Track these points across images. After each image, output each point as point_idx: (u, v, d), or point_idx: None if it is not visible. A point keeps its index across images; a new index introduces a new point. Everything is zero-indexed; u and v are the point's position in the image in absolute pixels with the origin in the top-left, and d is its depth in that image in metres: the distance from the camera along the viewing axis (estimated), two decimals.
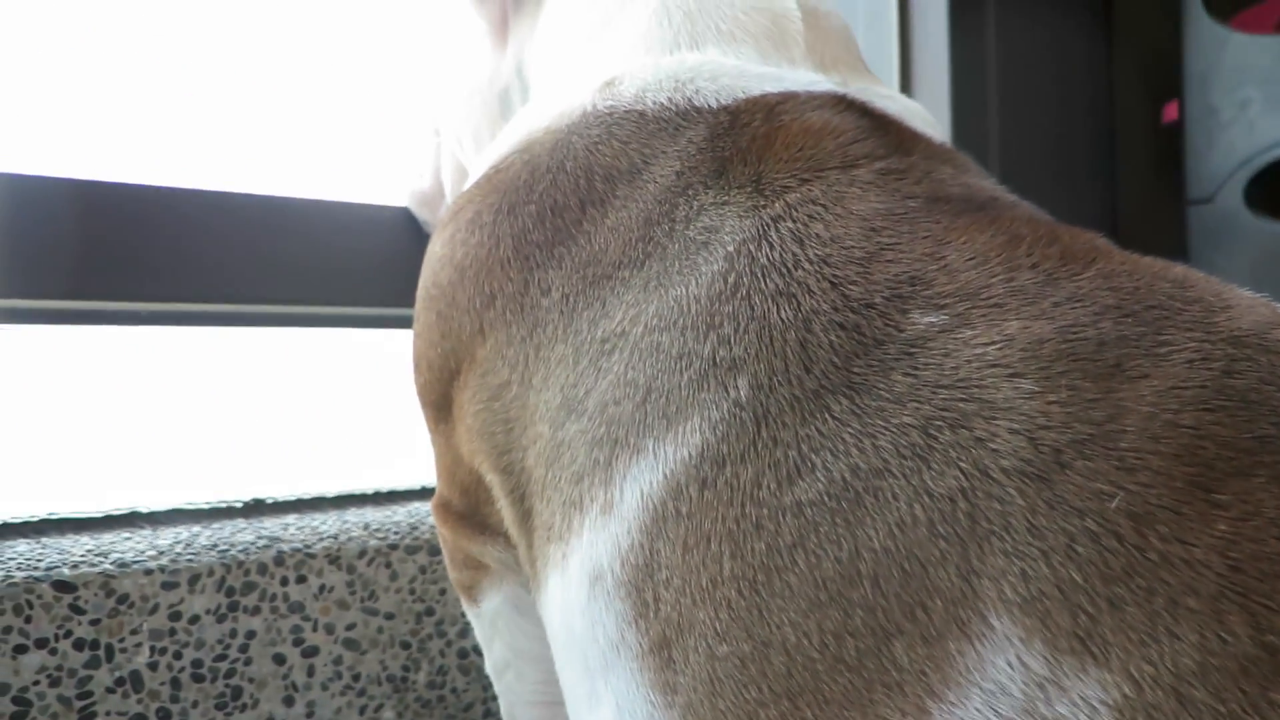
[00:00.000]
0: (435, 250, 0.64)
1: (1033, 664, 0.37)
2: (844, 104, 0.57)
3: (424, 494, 0.98)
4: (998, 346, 0.43)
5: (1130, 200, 1.45)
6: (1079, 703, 0.37)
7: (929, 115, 0.63)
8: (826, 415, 0.44)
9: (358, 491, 0.96)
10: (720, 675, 0.43)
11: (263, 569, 0.78)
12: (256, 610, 0.77)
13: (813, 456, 0.44)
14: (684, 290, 0.50)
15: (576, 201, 0.57)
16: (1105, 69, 1.46)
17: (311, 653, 0.79)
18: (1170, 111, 1.33)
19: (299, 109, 1.05)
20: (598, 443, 0.51)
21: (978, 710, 0.38)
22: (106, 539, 0.79)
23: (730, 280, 0.49)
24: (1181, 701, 0.36)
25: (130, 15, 0.99)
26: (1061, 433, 0.40)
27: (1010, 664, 0.38)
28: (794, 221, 0.50)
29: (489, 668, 0.65)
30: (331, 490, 0.95)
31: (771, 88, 0.57)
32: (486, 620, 0.64)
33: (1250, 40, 1.21)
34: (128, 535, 0.80)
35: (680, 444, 0.47)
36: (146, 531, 0.81)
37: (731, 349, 0.47)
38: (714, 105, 0.57)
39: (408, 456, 1.05)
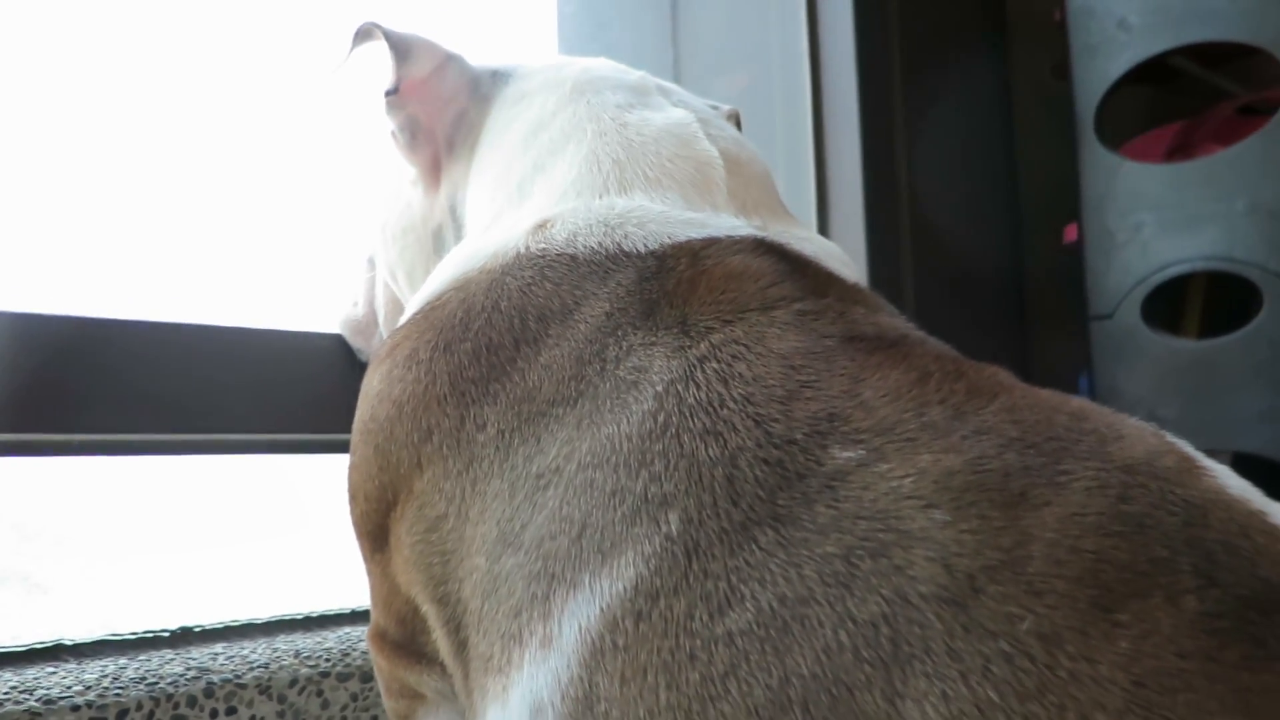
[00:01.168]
0: (373, 385, 0.66)
1: None
2: (764, 247, 0.60)
3: (355, 618, 0.98)
4: (912, 479, 0.45)
5: (1038, 317, 1.52)
6: None
7: (844, 255, 0.67)
8: (754, 546, 0.46)
9: (288, 616, 0.95)
10: None
11: (192, 701, 0.77)
12: None
13: (742, 587, 0.46)
14: (616, 428, 0.53)
15: (511, 340, 0.59)
16: (1010, 196, 1.54)
17: None
18: (1071, 233, 1.40)
19: (229, 237, 1.07)
20: (535, 577, 0.52)
21: None
22: (30, 674, 0.78)
23: (660, 419, 0.52)
24: None
25: (60, 144, 1.00)
26: (974, 559, 0.42)
27: None
28: (718, 362, 0.53)
29: None
30: (261, 616, 0.94)
31: (696, 233, 0.61)
32: None
33: (1140, 168, 1.30)
34: (52, 669, 0.79)
35: (615, 578, 0.49)
36: (72, 665, 0.80)
37: (662, 485, 0.50)
38: (642, 250, 0.60)
39: (338, 580, 1.05)
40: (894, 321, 0.58)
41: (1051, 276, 1.51)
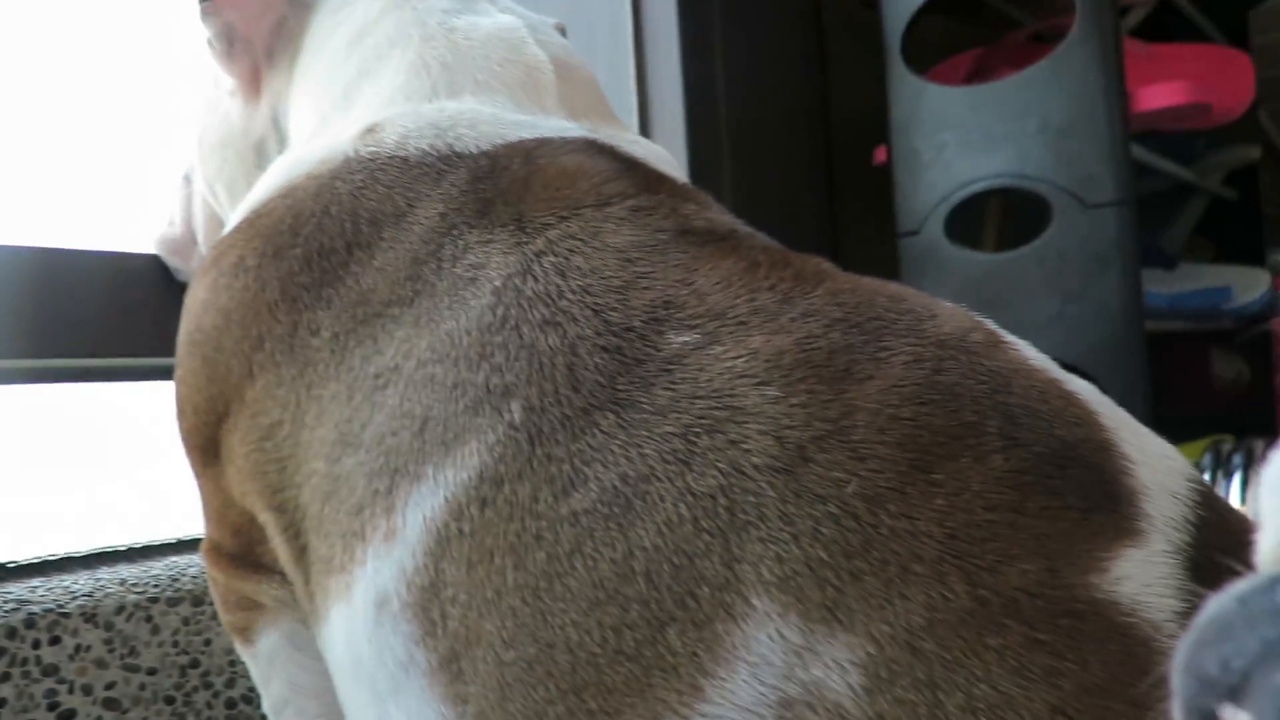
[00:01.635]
0: (198, 296, 0.64)
1: (790, 635, 0.42)
2: (595, 148, 0.61)
3: (182, 547, 0.95)
4: (745, 359, 0.48)
5: (849, 234, 1.59)
6: (831, 665, 0.42)
7: (671, 158, 0.68)
8: (596, 430, 0.48)
9: (110, 549, 0.92)
10: (509, 680, 0.46)
11: (11, 633, 0.74)
12: (6, 677, 0.73)
13: (585, 469, 0.47)
14: (455, 324, 0.53)
15: (343, 244, 0.59)
16: (822, 119, 1.60)
17: (69, 716, 0.76)
18: (880, 155, 1.46)
19: (40, 156, 1.01)
20: (377, 474, 0.52)
21: (745, 682, 0.42)
22: None
23: (499, 313, 0.52)
24: (915, 654, 0.41)
25: None
26: (803, 431, 0.45)
27: (771, 637, 0.42)
28: (556, 256, 0.54)
29: (266, 707, 0.65)
30: (82, 549, 0.91)
31: (528, 134, 0.61)
32: (263, 659, 0.64)
33: (943, 91, 1.36)
34: None
35: (459, 468, 0.50)
36: None
37: (504, 376, 0.51)
38: (474, 150, 0.60)
39: (162, 510, 1.02)
40: (723, 217, 0.60)
41: (862, 196, 1.57)
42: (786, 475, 0.44)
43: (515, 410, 0.50)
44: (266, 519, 0.60)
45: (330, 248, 0.59)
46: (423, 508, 0.50)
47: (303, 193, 0.62)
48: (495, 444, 0.49)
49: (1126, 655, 0.42)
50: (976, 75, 1.49)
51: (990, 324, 0.52)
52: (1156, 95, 1.31)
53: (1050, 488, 0.45)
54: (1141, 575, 0.44)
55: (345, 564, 0.53)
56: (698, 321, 0.50)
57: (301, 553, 0.58)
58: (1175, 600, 0.44)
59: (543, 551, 0.46)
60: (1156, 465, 0.48)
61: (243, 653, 0.65)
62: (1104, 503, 0.45)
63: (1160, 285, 1.53)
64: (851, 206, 1.58)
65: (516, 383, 0.50)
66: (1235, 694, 0.26)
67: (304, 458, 0.57)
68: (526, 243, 0.55)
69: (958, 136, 1.33)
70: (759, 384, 0.47)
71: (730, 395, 0.47)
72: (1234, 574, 0.47)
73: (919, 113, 1.36)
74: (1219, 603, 0.29)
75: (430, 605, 0.49)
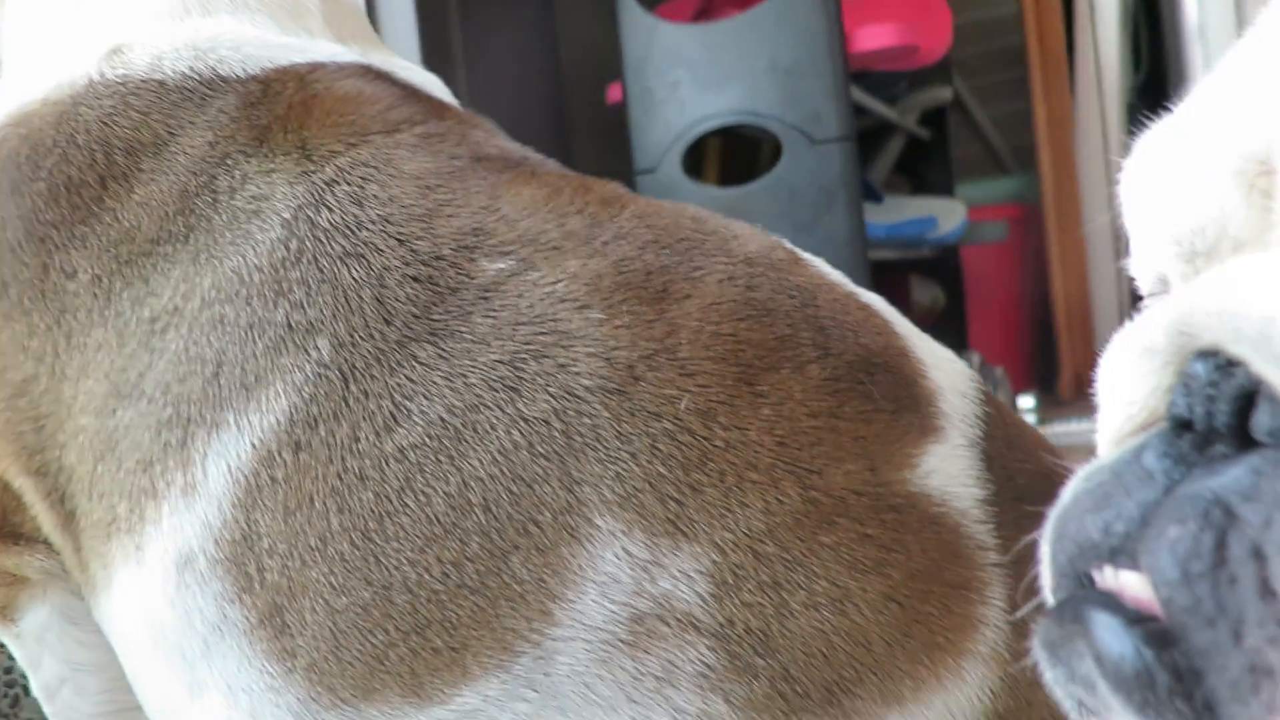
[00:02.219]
0: None
1: (636, 551, 0.42)
2: (372, 74, 0.58)
3: None
4: (564, 283, 0.47)
5: (585, 173, 1.60)
6: (678, 576, 0.42)
7: (443, 85, 0.66)
8: (414, 363, 0.46)
9: None
10: (343, 628, 0.44)
11: None
12: None
13: (407, 403, 0.45)
14: (242, 260, 0.50)
15: (95, 177, 0.53)
16: (553, 60, 1.59)
17: None
18: (613, 93, 1.48)
19: None
20: (166, 425, 0.48)
21: (595, 602, 0.42)
22: None
23: (293, 246, 0.49)
24: (758, 557, 0.43)
25: None
26: (631, 351, 0.45)
27: (617, 555, 0.43)
28: (349, 184, 0.51)
29: (37, 689, 0.59)
30: None
31: (298, 58, 0.57)
32: (31, 638, 0.58)
33: (676, 29, 1.38)
34: None
35: (265, 411, 0.47)
36: None
37: (306, 312, 0.48)
38: (241, 74, 0.56)
39: None
40: (511, 144, 0.59)
41: (596, 134, 1.58)
42: (619, 395, 0.44)
43: (323, 347, 0.47)
44: (24, 484, 0.54)
45: (80, 180, 0.53)
46: (226, 457, 0.46)
47: (40, 121, 0.55)
48: (304, 384, 0.46)
49: (941, 542, 0.46)
50: (703, 14, 1.53)
51: (786, 242, 0.54)
52: (871, 36, 1.39)
53: (863, 393, 0.47)
54: (946, 468, 0.47)
55: (132, 524, 0.49)
56: (510, 248, 0.49)
57: (70, 518, 0.53)
58: (977, 489, 0.47)
59: (369, 491, 0.44)
60: (945, 368, 0.52)
61: (4, 634, 0.59)
62: (908, 404, 0.48)
63: (874, 217, 1.64)
64: (586, 145, 1.59)
65: (321, 318, 0.47)
66: (1115, 555, 0.28)
67: (67, 414, 0.52)
68: (314, 171, 0.52)
69: (691, 74, 1.36)
70: (581, 307, 0.47)
71: (554, 320, 0.46)
72: (1026, 465, 0.51)
73: (652, 51, 1.38)
74: (1088, 476, 0.31)
75: (244, 559, 0.45)
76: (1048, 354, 2.12)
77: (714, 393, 0.45)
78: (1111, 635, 0.27)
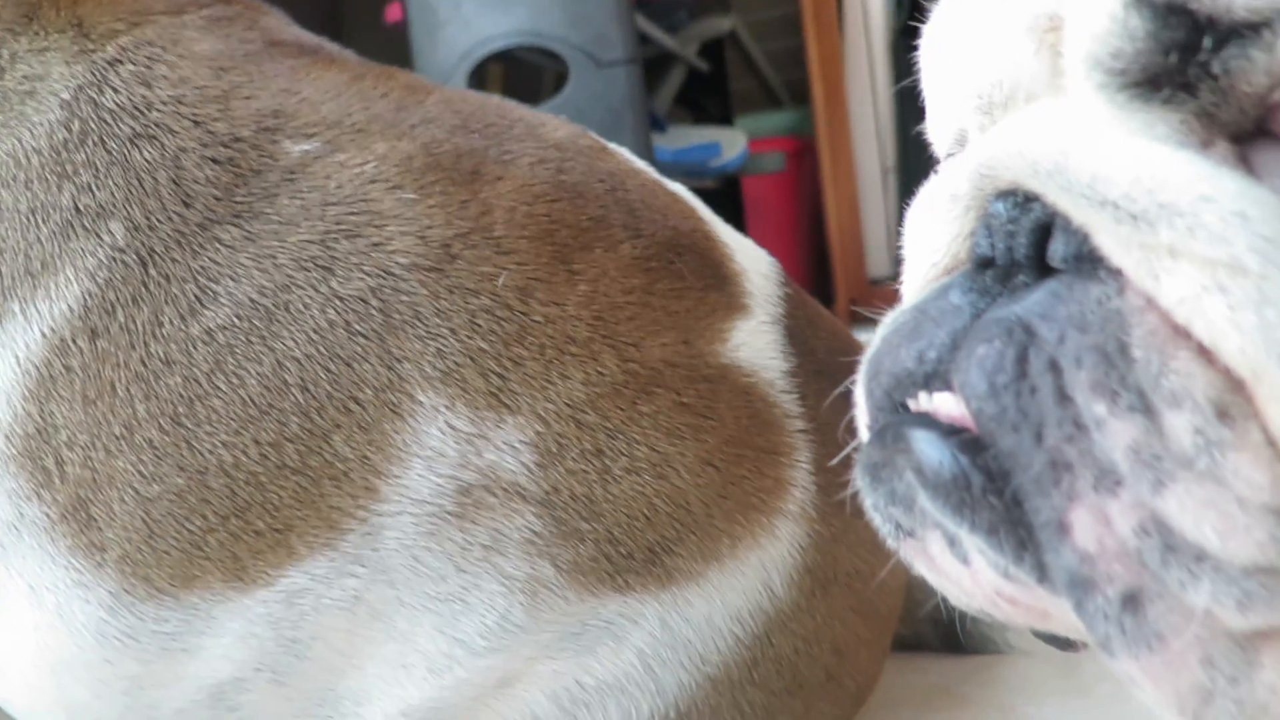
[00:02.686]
0: None
1: (460, 425, 0.43)
2: None
3: None
4: (373, 165, 0.46)
5: None
6: (503, 447, 0.43)
7: None
8: (218, 245, 0.44)
9: None
10: (156, 516, 0.42)
11: None
12: None
13: (213, 286, 0.44)
14: (18, 143, 0.46)
15: None
16: None
17: None
18: (392, 13, 1.43)
19: None
20: None
21: (420, 476, 0.42)
22: None
23: (75, 128, 0.46)
24: (580, 426, 0.44)
25: None
26: (446, 229, 0.45)
27: (441, 430, 0.43)
28: (134, 65, 0.48)
29: None
30: None
31: None
32: None
33: None
34: None
35: (55, 299, 0.44)
36: None
37: (95, 195, 0.45)
38: None
39: None
40: (305, 33, 0.57)
41: (374, 57, 1.53)
42: (436, 273, 0.44)
43: (116, 231, 0.44)
44: None
45: None
46: (13, 348, 0.44)
47: None
48: (98, 268, 0.44)
49: (752, 410, 0.48)
50: None
51: (592, 132, 0.55)
52: None
53: (673, 271, 0.49)
54: (753, 342, 0.49)
55: None
56: (315, 130, 0.47)
57: None
58: (782, 361, 0.50)
59: (176, 376, 0.43)
60: (747, 252, 0.54)
61: None
62: (716, 283, 0.50)
63: (660, 144, 1.66)
64: None
65: (113, 201, 0.45)
66: (929, 380, 0.30)
67: None
68: (94, 50, 0.48)
69: None
70: (392, 188, 0.46)
71: (365, 200, 0.45)
72: (826, 341, 0.54)
73: None
74: (896, 316, 0.33)
75: (40, 454, 0.43)
76: (823, 280, 2.21)
77: (531, 270, 0.45)
78: (930, 446, 0.29)
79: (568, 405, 0.44)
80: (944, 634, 0.61)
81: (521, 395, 0.43)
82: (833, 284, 2.16)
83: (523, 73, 1.80)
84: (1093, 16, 0.27)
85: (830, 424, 0.49)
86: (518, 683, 0.45)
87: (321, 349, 0.43)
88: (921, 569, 0.32)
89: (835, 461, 0.42)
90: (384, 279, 0.44)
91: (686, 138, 1.74)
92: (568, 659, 0.45)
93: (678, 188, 0.55)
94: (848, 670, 0.50)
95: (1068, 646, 0.35)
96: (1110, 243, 0.26)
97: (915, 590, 0.57)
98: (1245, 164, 0.26)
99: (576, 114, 1.37)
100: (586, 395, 0.44)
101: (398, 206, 0.45)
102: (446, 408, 0.43)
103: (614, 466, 0.44)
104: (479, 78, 1.51)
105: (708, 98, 2.16)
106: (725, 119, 2.14)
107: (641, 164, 0.54)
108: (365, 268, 0.44)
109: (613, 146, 0.54)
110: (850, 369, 0.35)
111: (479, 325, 0.44)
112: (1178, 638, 0.24)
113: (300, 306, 0.43)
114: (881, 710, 0.55)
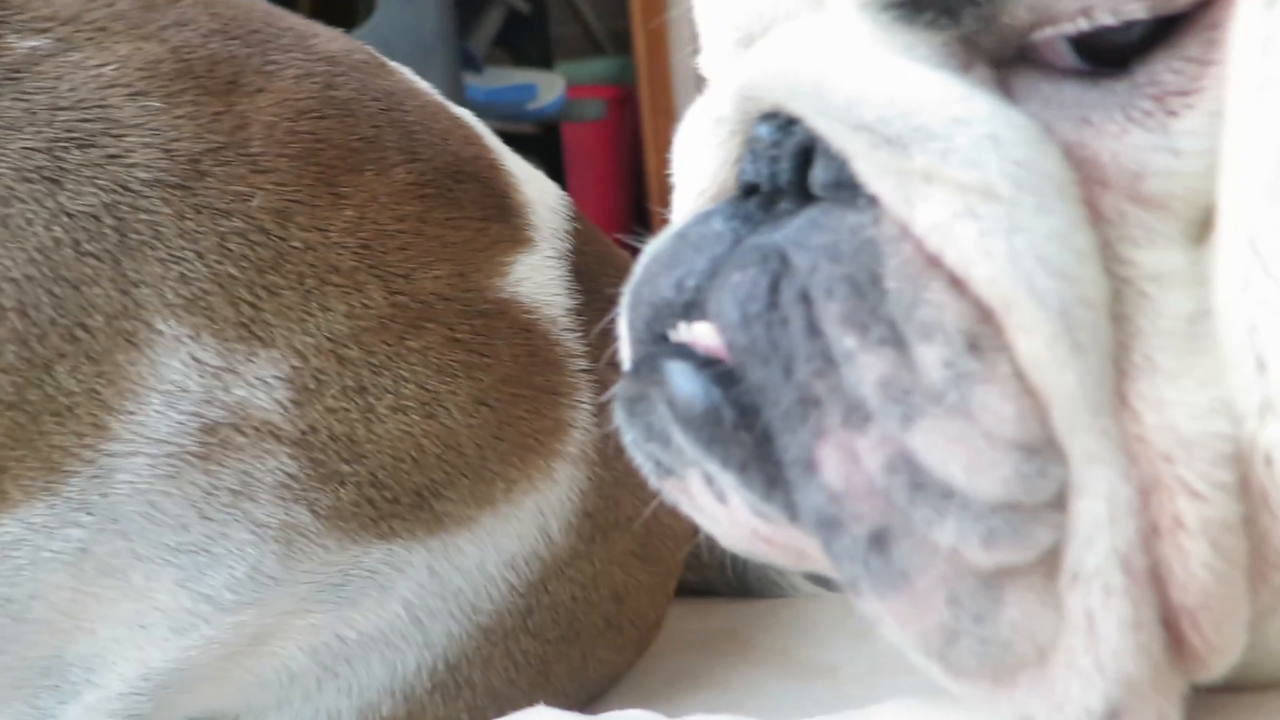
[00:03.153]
0: None
1: (206, 358, 0.39)
2: None
3: None
4: (113, 68, 0.42)
5: None
6: (255, 383, 0.39)
7: None
8: None
9: None
10: None
11: None
12: None
13: None
14: None
15: None
16: None
17: None
18: None
19: None
20: None
21: (159, 413, 0.38)
22: None
23: None
24: (341, 362, 0.40)
25: None
26: (195, 143, 0.41)
27: (184, 362, 0.39)
28: None
29: None
30: None
31: None
32: None
33: None
34: None
35: None
36: None
37: None
38: None
39: None
40: None
41: None
42: (182, 190, 0.40)
43: None
44: None
45: None
46: None
47: None
48: None
49: (531, 348, 0.45)
50: None
51: (370, 47, 0.51)
52: None
53: (451, 199, 0.46)
54: (536, 277, 0.47)
55: None
56: (46, 25, 0.42)
57: None
58: (566, 298, 0.48)
59: None
60: (535, 183, 0.51)
61: None
62: (498, 214, 0.47)
63: (475, 83, 1.61)
64: None
65: None
66: (688, 310, 0.29)
67: None
68: None
69: None
70: (135, 94, 0.41)
71: (102, 106, 0.41)
72: (616, 279, 0.52)
73: None
74: (658, 243, 0.32)
75: None
76: (643, 230, 2.21)
77: (291, 191, 0.42)
78: (683, 379, 0.28)
79: (328, 339, 0.40)
80: (732, 579, 0.60)
81: (276, 327, 0.40)
82: (652, 234, 2.16)
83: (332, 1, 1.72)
84: None
85: (616, 364, 0.48)
86: (272, 639, 0.41)
87: (45, 270, 0.38)
88: (685, 508, 0.31)
89: (606, 399, 0.40)
90: (121, 195, 0.39)
91: (502, 79, 1.70)
92: (327, 611, 0.42)
93: (463, 112, 0.52)
94: (628, 617, 0.49)
95: (835, 586, 0.34)
96: (867, 168, 0.25)
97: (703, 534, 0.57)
98: (1004, 88, 0.25)
99: (384, 46, 1.31)
100: (349, 328, 0.41)
101: (140, 115, 0.41)
102: (190, 338, 0.39)
103: (378, 405, 0.41)
104: (289, 4, 1.43)
105: (527, 41, 2.11)
106: (545, 63, 2.10)
107: (424, 85, 0.51)
108: (99, 181, 0.39)
109: (394, 65, 0.51)
110: None
111: (230, 249, 0.40)
112: (923, 576, 0.23)
113: (21, 222, 0.39)
114: (664, 656, 0.54)
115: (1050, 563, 0.24)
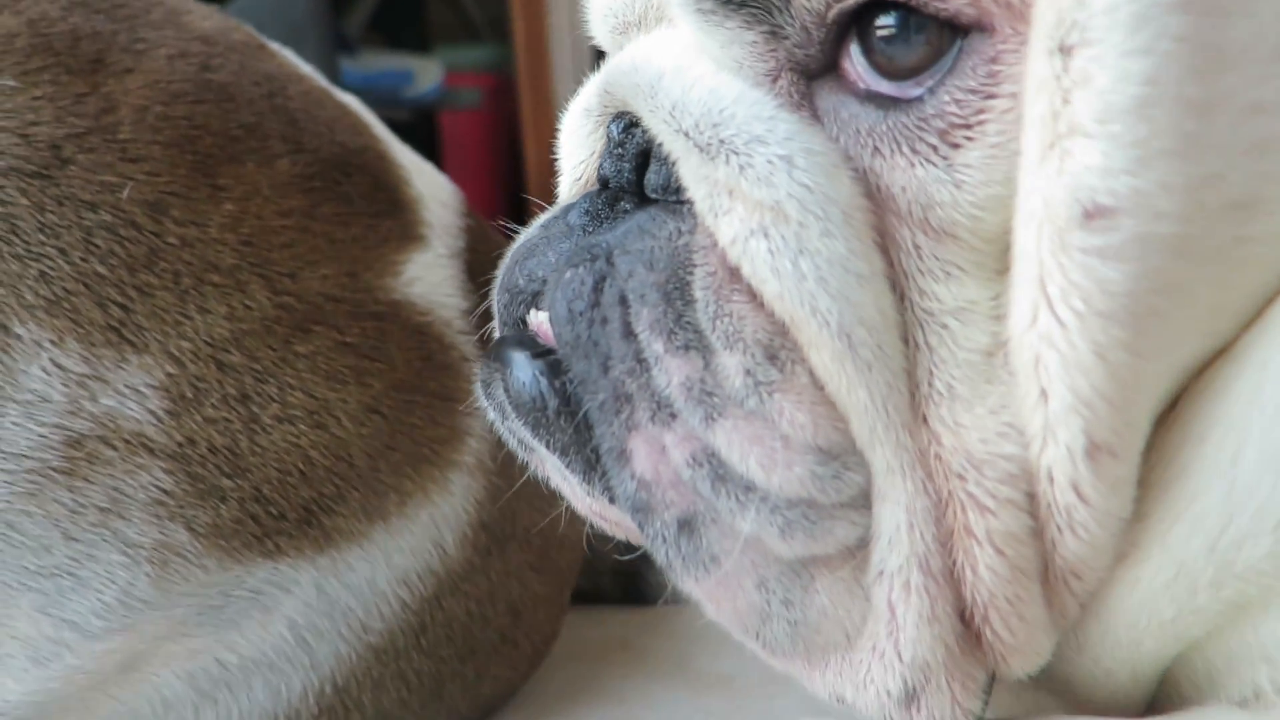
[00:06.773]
0: None
1: (70, 364, 0.36)
2: None
3: None
4: None
5: None
6: (125, 391, 0.36)
7: None
8: None
9: None
10: None
11: None
12: None
13: None
14: None
15: None
16: None
17: None
18: None
19: None
20: None
21: (16, 425, 0.35)
22: None
23: None
24: (222, 368, 0.38)
25: None
26: (56, 127, 0.37)
27: (45, 370, 0.35)
28: None
29: None
30: None
31: None
32: None
33: None
34: None
35: None
36: None
37: None
38: None
39: None
40: None
41: None
42: (42, 180, 0.37)
43: None
44: None
45: None
46: None
47: None
48: None
49: (425, 352, 0.43)
50: None
51: (248, 26, 0.48)
52: None
53: (339, 193, 0.43)
54: (429, 277, 0.45)
55: None
56: None
57: None
58: (460, 299, 0.45)
59: None
60: (426, 177, 0.49)
61: None
62: (389, 209, 0.45)
63: (350, 67, 1.56)
64: None
65: None
66: (537, 299, 0.30)
67: None
68: None
69: None
70: None
71: None
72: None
73: None
74: (527, 232, 0.32)
75: None
76: (520, 222, 2.17)
77: (165, 182, 0.38)
78: (518, 367, 0.30)
79: (207, 343, 0.37)
80: (624, 586, 0.59)
81: (149, 331, 0.37)
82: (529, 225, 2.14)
83: None
84: None
85: None
86: (145, 665, 0.38)
87: None
88: (553, 483, 0.33)
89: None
90: None
91: (378, 64, 1.64)
92: (206, 635, 0.39)
93: (349, 99, 0.49)
94: (524, 631, 0.47)
95: None
96: (688, 174, 0.26)
97: (595, 542, 0.55)
98: (811, 104, 0.27)
99: (253, 25, 1.26)
100: (231, 332, 0.38)
101: None
102: (53, 343, 0.36)
103: (263, 414, 0.38)
104: None
105: (403, 25, 2.05)
106: (422, 48, 2.04)
107: (308, 69, 0.48)
108: None
109: (273, 46, 0.48)
110: None
111: (96, 246, 0.37)
112: (730, 560, 0.26)
113: None
114: (558, 666, 0.52)
115: (861, 557, 0.26)
